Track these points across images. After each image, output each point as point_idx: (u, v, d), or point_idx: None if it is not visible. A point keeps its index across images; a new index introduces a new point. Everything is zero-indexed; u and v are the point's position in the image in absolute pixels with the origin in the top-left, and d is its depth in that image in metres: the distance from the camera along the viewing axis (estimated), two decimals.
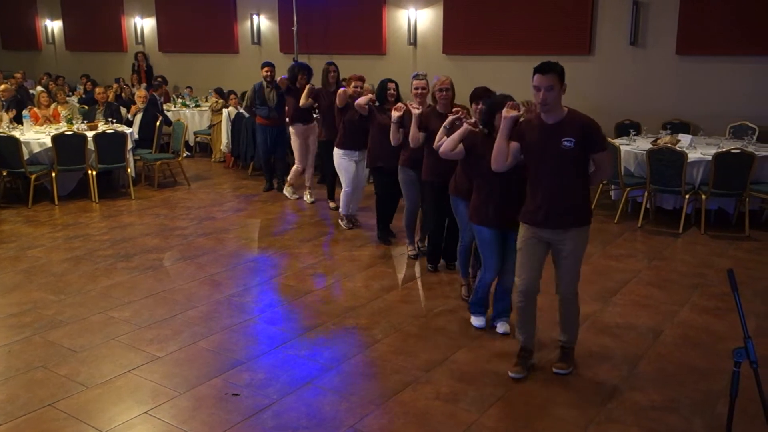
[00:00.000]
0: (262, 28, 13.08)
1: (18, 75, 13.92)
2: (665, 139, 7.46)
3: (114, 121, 9.33)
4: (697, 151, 7.35)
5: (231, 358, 4.40)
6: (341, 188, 7.19)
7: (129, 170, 8.91)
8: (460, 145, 4.47)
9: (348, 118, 6.83)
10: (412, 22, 11.11)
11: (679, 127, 8.67)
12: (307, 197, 8.49)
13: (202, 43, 13.91)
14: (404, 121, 5.78)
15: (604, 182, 7.89)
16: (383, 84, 6.59)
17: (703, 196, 7.09)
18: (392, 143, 5.97)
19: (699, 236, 7.04)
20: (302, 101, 7.83)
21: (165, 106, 11.94)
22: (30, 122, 9.17)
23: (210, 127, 11.62)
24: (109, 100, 10.54)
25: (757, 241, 6.87)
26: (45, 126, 9.33)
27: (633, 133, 8.21)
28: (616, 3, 9.27)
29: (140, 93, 10.20)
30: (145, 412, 3.77)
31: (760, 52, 8.35)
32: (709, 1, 8.59)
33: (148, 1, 14.69)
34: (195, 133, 11.98)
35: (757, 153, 6.97)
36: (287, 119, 8.57)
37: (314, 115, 8.45)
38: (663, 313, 5.11)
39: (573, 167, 3.85)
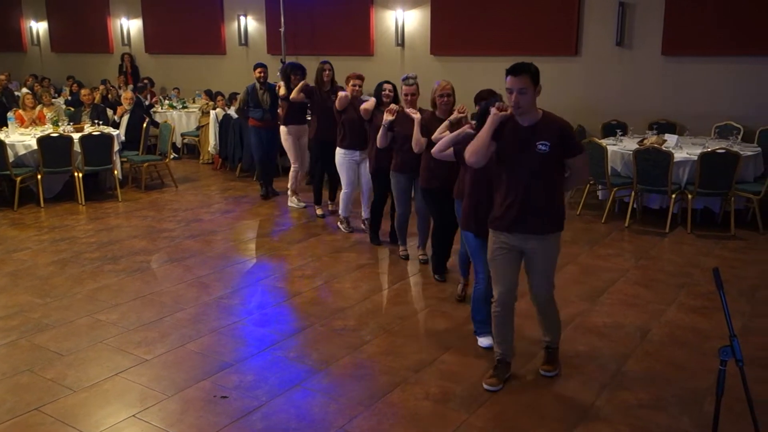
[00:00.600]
0: (250, 29, 13.03)
1: (3, 77, 13.79)
2: (651, 139, 7.51)
3: (100, 122, 9.29)
4: (683, 151, 7.42)
5: (219, 361, 4.38)
6: (335, 192, 7.07)
7: (116, 172, 8.86)
8: (451, 148, 4.44)
9: (348, 118, 6.81)
10: (400, 23, 11.11)
11: (665, 127, 8.74)
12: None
13: (189, 45, 13.84)
14: (394, 125, 5.78)
15: (591, 182, 7.95)
16: (380, 85, 6.56)
17: (689, 196, 7.15)
18: (378, 145, 5.96)
19: (685, 235, 7.10)
20: (293, 94, 7.64)
21: (153, 109, 11.90)
22: (15, 124, 9.09)
23: (198, 128, 11.57)
24: (96, 101, 10.49)
25: (743, 240, 6.93)
26: (30, 128, 9.27)
27: (620, 133, 8.28)
28: (603, 4, 9.32)
29: (127, 95, 10.17)
30: (133, 416, 3.75)
31: (745, 52, 8.44)
32: (695, 2, 8.66)
33: (134, 2, 14.62)
34: (182, 135, 11.93)
35: (742, 153, 7.04)
36: (279, 121, 8.38)
37: (307, 117, 8.33)
38: (650, 312, 5.14)
39: (546, 171, 3.71)
